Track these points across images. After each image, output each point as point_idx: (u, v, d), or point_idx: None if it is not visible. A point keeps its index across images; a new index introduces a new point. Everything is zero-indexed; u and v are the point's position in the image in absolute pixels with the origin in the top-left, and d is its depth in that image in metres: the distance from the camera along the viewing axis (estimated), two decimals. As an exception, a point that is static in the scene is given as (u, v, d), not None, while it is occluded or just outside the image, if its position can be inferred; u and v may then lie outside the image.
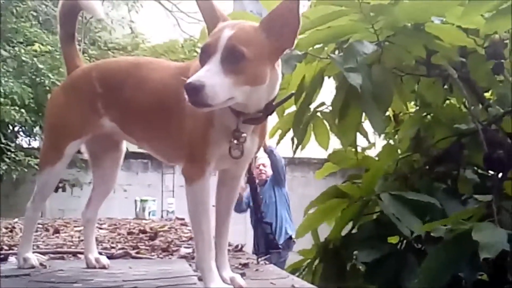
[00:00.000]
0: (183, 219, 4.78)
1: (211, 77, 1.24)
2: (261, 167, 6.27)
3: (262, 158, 6.22)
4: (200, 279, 1.51)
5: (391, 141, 3.26)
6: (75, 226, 3.77)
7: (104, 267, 1.77)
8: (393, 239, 2.74)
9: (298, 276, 2.76)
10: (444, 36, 2.36)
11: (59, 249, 2.33)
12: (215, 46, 1.29)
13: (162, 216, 5.49)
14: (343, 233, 2.78)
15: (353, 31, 2.43)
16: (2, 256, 2.02)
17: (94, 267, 1.78)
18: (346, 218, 2.72)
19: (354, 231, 2.77)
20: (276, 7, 1.34)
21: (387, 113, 2.94)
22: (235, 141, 1.41)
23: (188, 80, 1.23)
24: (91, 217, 1.84)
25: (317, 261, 2.85)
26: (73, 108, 1.72)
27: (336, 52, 2.61)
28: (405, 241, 2.64)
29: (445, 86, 2.77)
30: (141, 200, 5.41)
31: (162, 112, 1.55)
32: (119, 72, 1.69)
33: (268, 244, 5.41)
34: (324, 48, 2.58)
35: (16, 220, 4.50)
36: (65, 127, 1.74)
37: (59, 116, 1.77)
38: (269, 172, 6.23)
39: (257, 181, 5.76)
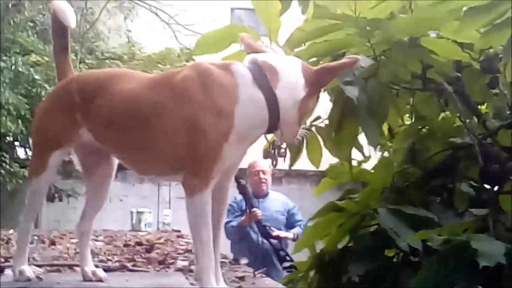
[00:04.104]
0: (179, 231, 4.76)
1: None
2: (260, 174, 4.93)
3: (261, 162, 4.84)
4: (197, 292, 1.52)
5: (387, 154, 3.26)
6: (71, 238, 3.75)
7: (100, 280, 1.77)
8: (390, 252, 2.75)
9: (293, 288, 2.77)
10: (439, 51, 2.38)
11: (55, 262, 2.32)
12: None
13: (158, 228, 5.47)
14: (340, 246, 2.78)
15: (350, 45, 2.45)
16: (-2, 268, 2.02)
17: (91, 280, 1.77)
18: (342, 231, 2.73)
19: (350, 244, 2.77)
20: None
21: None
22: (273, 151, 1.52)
23: None
24: (86, 229, 1.85)
25: (312, 273, 2.85)
26: (55, 118, 1.76)
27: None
28: (401, 254, 2.65)
29: (441, 100, 2.78)
30: (137, 212, 5.40)
31: (133, 122, 1.58)
32: (95, 83, 1.72)
33: (280, 259, 4.50)
34: (319, 62, 2.60)
35: (11, 231, 4.48)
36: (48, 137, 1.77)
37: (42, 126, 1.81)
38: (270, 181, 5.05)
39: (250, 190, 4.76)
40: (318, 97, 1.62)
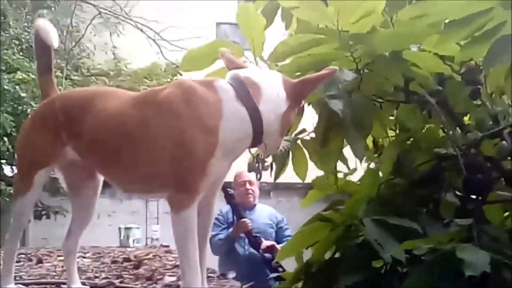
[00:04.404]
0: (168, 246, 4.75)
1: None
2: (247, 185, 4.76)
3: (247, 172, 4.21)
4: (184, 308, 1.52)
5: (373, 165, 3.28)
6: (58, 256, 3.74)
7: (87, 298, 1.77)
8: (378, 263, 2.76)
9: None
10: (421, 63, 2.42)
11: (42, 280, 2.31)
12: None
13: (146, 244, 5.46)
14: (326, 257, 2.78)
15: (333, 59, 2.47)
16: (-16, 288, 2.00)
17: (78, 298, 1.77)
18: (329, 241, 2.73)
19: (337, 255, 2.78)
20: None
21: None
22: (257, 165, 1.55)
23: None
24: (72, 248, 1.85)
25: (300, 284, 2.84)
26: (39, 137, 1.77)
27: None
28: (388, 265, 2.66)
29: (424, 112, 2.81)
30: (125, 228, 5.38)
31: (118, 140, 1.59)
32: (78, 102, 1.74)
33: (272, 270, 4.28)
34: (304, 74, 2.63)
35: (-2, 249, 4.45)
36: (32, 156, 1.79)
37: (27, 145, 1.82)
38: (257, 192, 4.87)
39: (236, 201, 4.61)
40: (302, 109, 1.65)
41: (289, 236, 4.77)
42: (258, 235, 4.50)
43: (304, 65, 2.48)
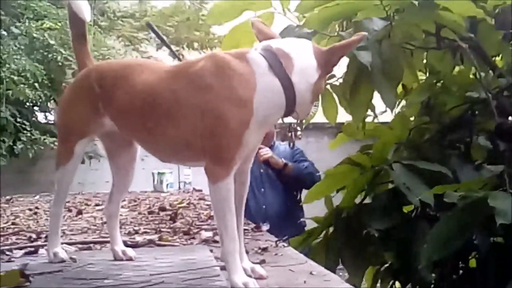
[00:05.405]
0: (200, 190, 4.85)
1: None
2: None
3: None
4: (222, 268, 1.59)
5: (404, 103, 3.25)
6: (96, 205, 3.86)
7: (130, 259, 1.85)
8: (408, 208, 2.80)
9: (312, 244, 2.83)
10: (453, 7, 2.36)
11: (87, 239, 2.40)
12: None
13: (179, 188, 5.54)
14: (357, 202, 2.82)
15: (362, 7, 2.44)
16: (32, 248, 2.10)
17: (121, 259, 1.85)
18: (358, 186, 2.76)
19: (366, 200, 2.82)
20: None
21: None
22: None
23: None
24: (114, 211, 1.92)
25: (331, 229, 2.90)
26: (78, 108, 1.81)
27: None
28: (419, 210, 2.70)
29: (456, 56, 2.77)
30: (159, 173, 5.48)
31: (154, 113, 1.61)
32: (113, 73, 1.76)
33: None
34: (331, 23, 2.61)
35: (37, 197, 4.61)
36: (72, 126, 1.83)
37: (66, 115, 1.87)
38: (271, 135, 4.16)
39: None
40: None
41: (302, 160, 4.29)
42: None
43: (332, 15, 2.46)
